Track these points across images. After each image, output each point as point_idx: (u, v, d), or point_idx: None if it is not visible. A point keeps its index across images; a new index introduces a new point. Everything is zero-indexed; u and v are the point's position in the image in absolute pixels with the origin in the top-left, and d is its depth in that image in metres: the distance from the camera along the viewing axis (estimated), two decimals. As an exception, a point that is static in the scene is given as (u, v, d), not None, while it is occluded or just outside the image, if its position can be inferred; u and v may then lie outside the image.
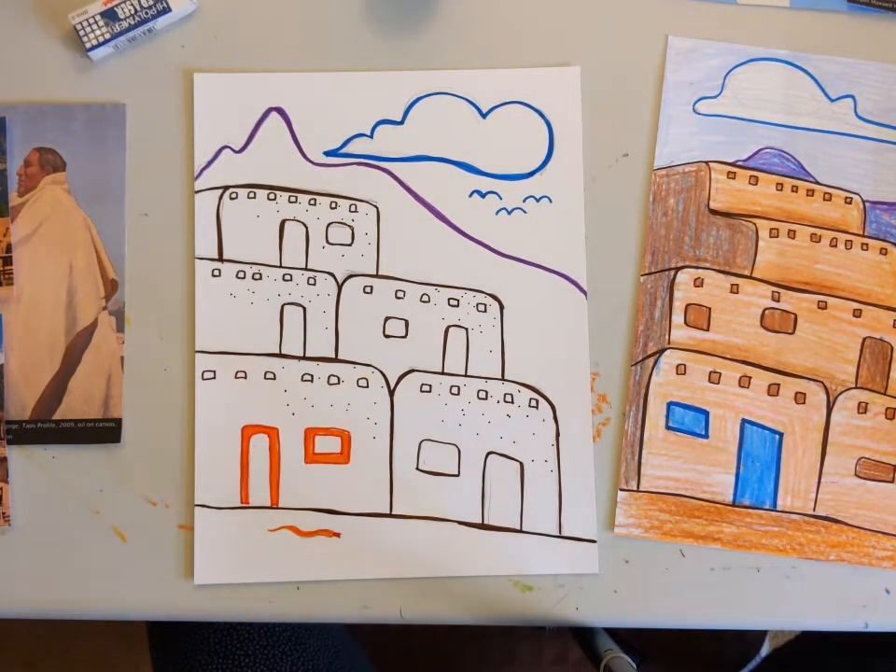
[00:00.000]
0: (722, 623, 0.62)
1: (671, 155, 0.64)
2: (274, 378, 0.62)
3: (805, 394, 0.62)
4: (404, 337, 0.62)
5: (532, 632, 1.21)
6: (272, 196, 0.63)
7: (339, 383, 0.62)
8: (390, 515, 0.61)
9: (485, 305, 0.63)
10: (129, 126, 0.64)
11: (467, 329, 0.63)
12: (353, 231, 0.63)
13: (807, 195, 0.64)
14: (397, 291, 0.63)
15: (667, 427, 0.62)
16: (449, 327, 0.63)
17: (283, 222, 0.63)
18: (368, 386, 0.62)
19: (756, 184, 0.64)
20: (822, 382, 0.62)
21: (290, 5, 0.65)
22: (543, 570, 0.61)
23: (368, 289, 0.63)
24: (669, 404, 0.62)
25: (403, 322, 0.63)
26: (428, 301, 0.63)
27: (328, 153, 0.64)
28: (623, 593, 0.61)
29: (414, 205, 0.63)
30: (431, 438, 0.62)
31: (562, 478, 0.61)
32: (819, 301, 0.63)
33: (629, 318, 0.63)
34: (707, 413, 0.62)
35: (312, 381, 0.62)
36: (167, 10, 0.63)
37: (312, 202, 0.63)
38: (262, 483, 0.61)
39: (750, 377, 0.62)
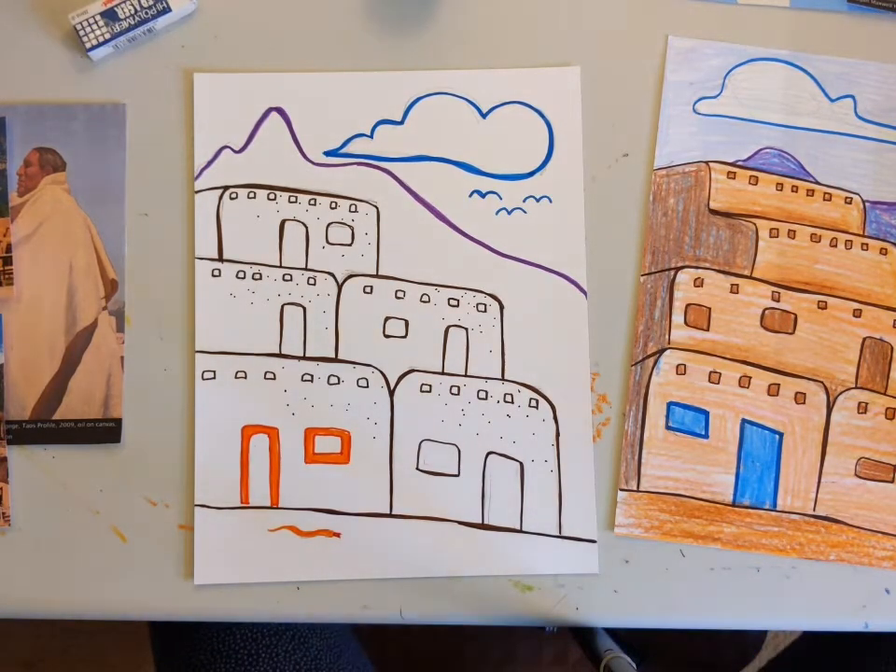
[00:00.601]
0: (722, 622, 0.62)
1: (671, 155, 0.64)
2: (274, 378, 0.62)
3: (804, 394, 0.62)
4: (404, 337, 0.62)
5: (532, 632, 1.21)
6: (272, 196, 0.63)
7: (339, 383, 0.62)
8: (390, 515, 0.61)
9: (485, 305, 0.63)
10: (129, 126, 0.64)
11: (467, 329, 0.63)
12: (353, 231, 0.63)
13: (807, 195, 0.64)
14: (397, 291, 0.63)
15: (667, 427, 0.62)
16: (449, 327, 0.63)
17: (283, 222, 0.63)
18: (368, 386, 0.62)
19: (756, 184, 0.64)
20: (822, 382, 0.62)
21: (290, 5, 0.65)
22: (543, 570, 0.61)
23: (368, 289, 0.63)
24: (669, 404, 0.62)
25: (403, 322, 0.63)
26: (428, 301, 0.63)
27: (328, 153, 0.64)
28: (623, 593, 0.61)
29: (414, 205, 0.63)
30: (431, 438, 0.62)
31: (562, 478, 0.61)
32: (819, 301, 0.63)
33: (629, 318, 0.63)
34: (706, 413, 0.62)
35: (312, 381, 0.62)
36: (167, 10, 0.63)
37: (312, 202, 0.63)
38: (262, 482, 0.61)
39: (750, 377, 0.62)
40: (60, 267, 0.62)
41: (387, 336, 0.62)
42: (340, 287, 0.63)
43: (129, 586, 0.60)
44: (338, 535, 0.61)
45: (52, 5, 0.65)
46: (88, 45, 0.63)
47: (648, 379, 0.62)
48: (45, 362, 0.61)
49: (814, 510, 0.61)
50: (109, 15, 0.63)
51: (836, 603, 0.61)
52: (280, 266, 0.63)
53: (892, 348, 0.63)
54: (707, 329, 0.63)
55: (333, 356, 0.62)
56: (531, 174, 0.64)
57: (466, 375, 0.62)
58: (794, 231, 0.64)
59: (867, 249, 0.64)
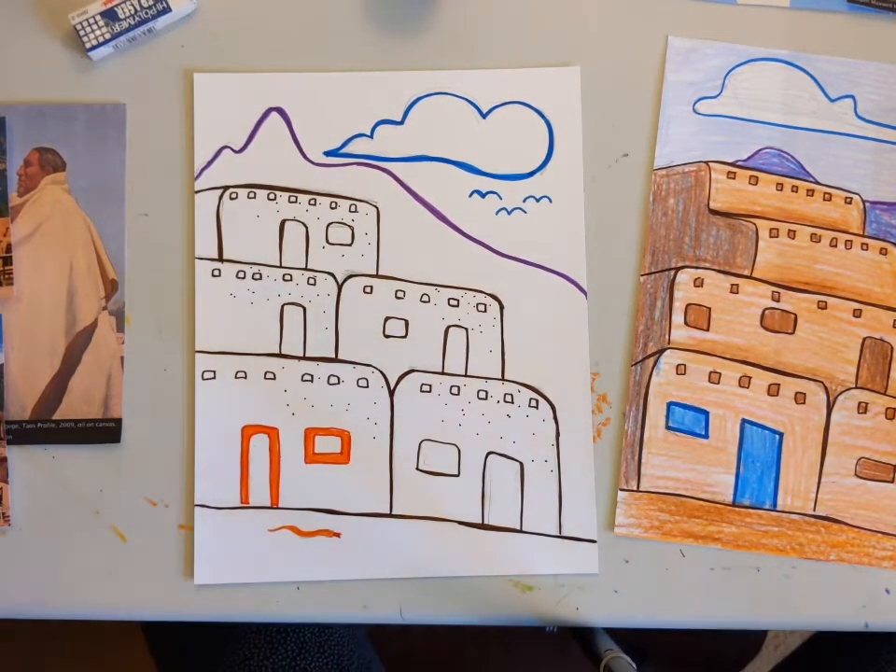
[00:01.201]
0: (722, 622, 0.62)
1: (671, 155, 0.64)
2: (274, 378, 0.62)
3: (804, 394, 0.62)
4: (404, 337, 0.62)
5: (532, 632, 1.21)
6: (272, 196, 0.63)
7: (339, 383, 0.62)
8: (390, 515, 0.61)
9: (485, 305, 0.63)
10: (129, 126, 0.64)
11: (467, 329, 0.63)
12: (353, 230, 0.63)
13: (807, 195, 0.64)
14: (397, 291, 0.63)
15: (667, 427, 0.62)
16: (449, 327, 0.63)
17: (283, 222, 0.63)
18: (368, 386, 0.62)
19: (756, 184, 0.64)
20: (822, 382, 0.62)
21: (290, 5, 0.65)
22: (543, 570, 0.61)
23: (368, 289, 0.63)
24: (669, 404, 0.62)
25: (403, 322, 0.63)
26: (428, 301, 0.63)
27: (328, 153, 0.64)
28: (624, 593, 0.61)
29: (414, 205, 0.63)
30: (431, 438, 0.62)
31: (562, 478, 0.61)
32: (819, 301, 0.63)
33: (629, 318, 0.63)
34: (706, 413, 0.62)
35: (312, 381, 0.62)
36: (167, 10, 0.63)
37: (312, 202, 0.63)
38: (262, 482, 0.61)
39: (750, 377, 0.62)
40: (60, 267, 0.62)
41: (387, 336, 0.62)
42: (340, 287, 0.63)
43: (129, 586, 0.60)
44: (338, 535, 0.61)
45: (52, 5, 0.65)
46: (88, 45, 0.63)
47: (648, 379, 0.62)
48: (45, 362, 0.61)
49: (814, 510, 0.61)
50: (109, 15, 0.63)
51: (836, 603, 0.61)
52: (280, 266, 0.63)
53: (892, 348, 0.63)
54: (707, 329, 0.63)
55: (333, 356, 0.62)
56: (531, 174, 0.64)
57: (466, 375, 0.62)
58: (794, 231, 0.64)
59: (867, 249, 0.64)
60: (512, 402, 0.62)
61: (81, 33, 0.63)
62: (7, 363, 0.61)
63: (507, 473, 0.61)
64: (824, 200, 0.64)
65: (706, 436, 0.62)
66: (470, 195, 0.63)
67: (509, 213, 0.63)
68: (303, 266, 0.63)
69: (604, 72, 0.65)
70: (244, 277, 0.63)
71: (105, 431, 0.61)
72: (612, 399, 0.62)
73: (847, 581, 0.61)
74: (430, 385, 0.62)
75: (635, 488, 0.61)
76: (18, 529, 0.61)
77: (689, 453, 0.62)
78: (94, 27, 0.63)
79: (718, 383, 0.62)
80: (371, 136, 0.64)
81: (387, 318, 0.63)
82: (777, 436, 0.62)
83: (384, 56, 0.65)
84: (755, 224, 0.64)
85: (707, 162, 0.64)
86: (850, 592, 0.61)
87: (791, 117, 0.65)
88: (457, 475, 0.61)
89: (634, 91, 0.65)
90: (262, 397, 0.62)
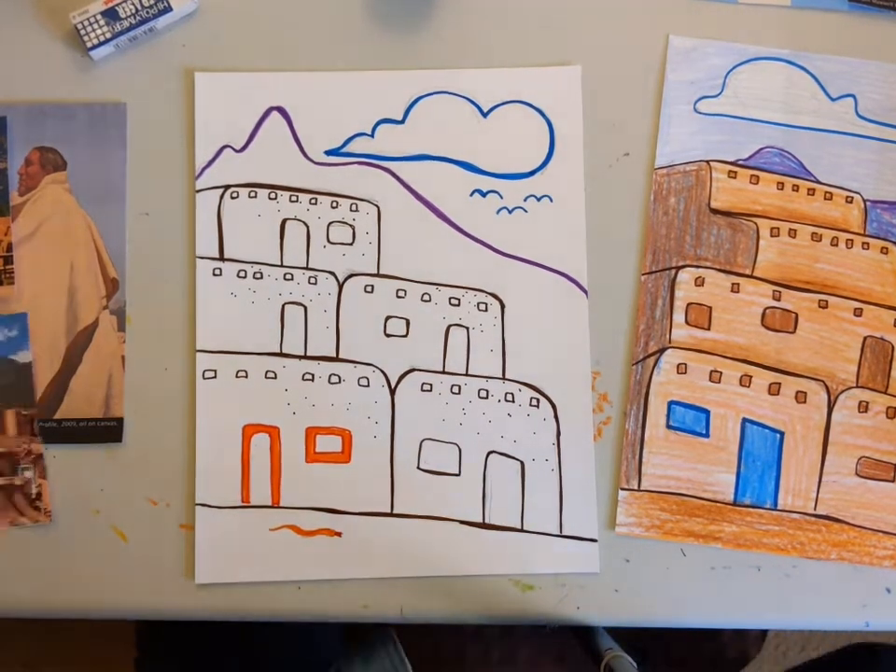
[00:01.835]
0: (723, 622, 0.62)
1: (672, 154, 0.64)
2: (275, 377, 0.62)
3: (805, 393, 0.62)
4: (405, 336, 0.62)
5: (532, 632, 1.20)
6: (272, 195, 0.63)
7: (340, 382, 0.62)
8: (391, 514, 0.61)
9: (486, 304, 0.63)
10: (130, 125, 0.64)
11: (468, 329, 0.63)
12: (354, 230, 0.63)
13: (808, 194, 0.64)
14: (398, 290, 0.63)
15: (668, 427, 0.62)
16: (450, 326, 0.63)
17: (284, 221, 0.63)
18: (369, 386, 0.62)
19: (757, 183, 0.64)
20: (823, 381, 0.62)
21: (291, 4, 0.65)
22: (544, 569, 0.61)
23: (369, 288, 0.63)
24: (670, 403, 0.62)
25: (404, 321, 0.63)
26: (429, 301, 0.63)
27: (328, 152, 0.64)
28: (624, 592, 0.61)
29: (415, 205, 0.63)
30: (432, 437, 0.62)
31: (563, 477, 0.61)
32: (819, 301, 0.63)
33: (630, 317, 0.63)
34: (707, 413, 0.62)
35: (313, 380, 0.62)
36: (168, 10, 0.63)
37: (313, 201, 0.63)
38: (263, 482, 0.61)
39: (751, 376, 0.62)
40: (60, 266, 0.62)
41: (388, 335, 0.62)
42: (341, 287, 0.63)
43: (129, 586, 0.60)
44: (339, 534, 0.61)
45: (53, 4, 0.65)
46: (89, 44, 0.63)
47: (649, 378, 0.62)
48: (46, 362, 0.61)
49: (815, 509, 0.61)
50: (110, 14, 0.63)
51: (837, 602, 0.61)
52: (281, 265, 0.63)
53: (893, 347, 0.63)
54: (708, 329, 0.63)
55: (334, 355, 0.62)
56: (532, 173, 0.64)
57: (467, 374, 0.62)
58: (795, 231, 0.64)
59: (868, 248, 0.64)
60: (513, 401, 0.62)
61: (82, 32, 0.63)
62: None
63: (508, 472, 0.61)
64: (825, 199, 0.64)
65: (706, 435, 0.62)
66: (471, 194, 0.63)
67: (510, 212, 0.63)
68: (304, 265, 0.63)
69: (605, 71, 0.65)
70: (245, 276, 0.63)
71: (106, 431, 0.61)
72: (613, 399, 0.62)
73: (847, 580, 0.61)
74: (431, 385, 0.62)
75: (636, 487, 0.61)
76: (19, 528, 0.60)
77: (690, 452, 0.62)
78: (95, 26, 0.63)
79: (719, 382, 0.62)
80: (372, 135, 0.64)
81: (388, 317, 0.63)
82: (778, 435, 0.62)
83: (385, 55, 0.65)
84: (756, 223, 0.64)
85: (707, 162, 0.64)
86: (851, 591, 0.61)
87: (792, 116, 0.65)
88: (458, 474, 0.61)
89: (634, 91, 0.65)
90: (263, 396, 0.62)
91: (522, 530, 0.61)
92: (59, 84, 0.64)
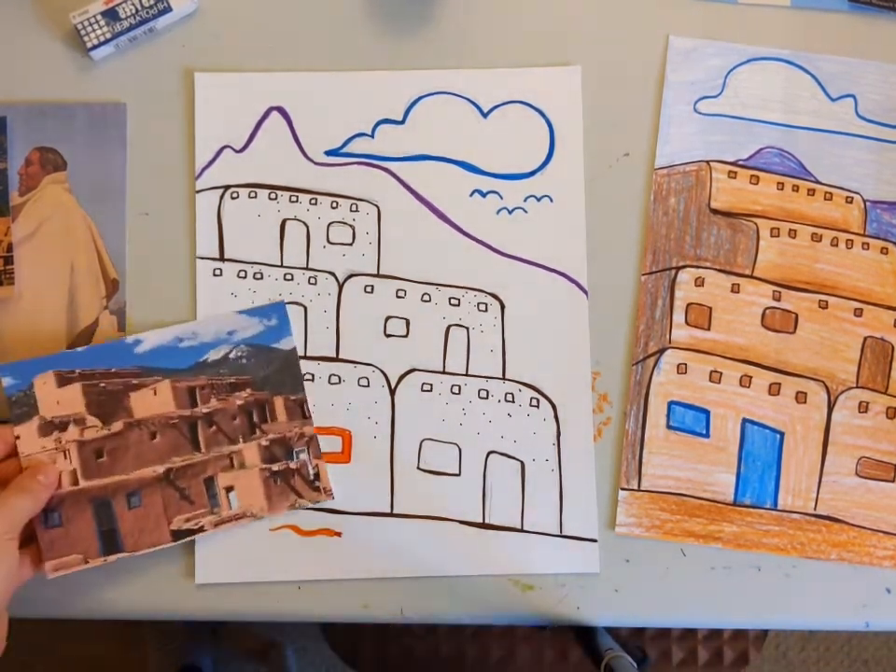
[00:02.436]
0: (723, 622, 0.62)
1: (672, 154, 0.64)
2: (275, 377, 0.62)
3: (805, 393, 0.62)
4: (405, 336, 0.62)
5: (532, 632, 1.20)
6: (273, 196, 0.63)
7: (340, 382, 0.62)
8: (391, 515, 0.61)
9: (486, 304, 0.63)
10: (129, 125, 0.64)
11: (468, 329, 0.63)
12: (354, 230, 0.63)
13: (808, 195, 0.64)
14: (398, 291, 0.63)
15: (668, 427, 0.62)
16: (450, 326, 0.63)
17: (284, 222, 0.63)
18: (369, 386, 0.62)
19: (757, 183, 0.64)
20: (823, 381, 0.62)
21: (291, 4, 0.65)
22: (544, 570, 0.61)
23: (369, 289, 0.63)
24: (670, 403, 0.62)
25: (404, 321, 0.63)
26: (429, 301, 0.63)
27: (328, 153, 0.64)
28: (624, 592, 0.61)
29: (415, 205, 0.63)
30: (432, 437, 0.62)
31: (563, 477, 0.61)
32: (819, 301, 0.63)
33: (630, 318, 0.63)
34: (707, 413, 0.62)
35: (313, 380, 0.62)
36: (168, 10, 0.63)
37: (313, 201, 0.63)
38: (263, 482, 0.61)
39: (751, 376, 0.62)
40: (61, 266, 0.62)
41: (388, 335, 0.62)
42: (341, 287, 0.63)
43: (130, 586, 0.60)
44: (339, 534, 0.61)
45: (53, 4, 0.65)
46: (89, 44, 0.63)
47: (649, 378, 0.62)
48: (46, 361, 0.61)
49: (815, 509, 0.61)
50: (110, 14, 0.63)
51: (837, 602, 0.61)
52: (281, 265, 0.63)
53: (893, 347, 0.63)
54: (708, 329, 0.63)
55: (334, 355, 0.62)
56: (532, 173, 0.64)
57: (467, 374, 0.62)
58: (795, 231, 0.64)
59: (868, 249, 0.64)
60: (513, 402, 0.62)
61: (82, 32, 0.63)
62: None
63: (508, 472, 0.61)
64: (825, 199, 0.64)
65: (706, 435, 0.62)
66: (471, 194, 0.63)
67: (510, 212, 0.63)
68: (304, 265, 0.63)
69: (605, 71, 0.65)
70: (245, 277, 0.63)
71: (105, 431, 0.61)
72: (613, 399, 0.62)
73: (847, 580, 0.61)
74: (431, 385, 0.62)
75: (636, 487, 0.61)
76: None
77: (690, 452, 0.62)
78: (95, 27, 0.63)
79: (719, 382, 0.62)
80: (372, 136, 0.64)
81: (388, 318, 0.63)
82: (778, 435, 0.62)
83: (384, 55, 0.65)
84: (756, 223, 0.64)
85: (707, 162, 0.64)
86: (851, 591, 0.61)
87: (792, 116, 0.65)
88: (458, 474, 0.61)
89: (635, 91, 0.65)
90: (263, 396, 0.62)
91: (522, 530, 0.61)
92: (59, 84, 0.64)
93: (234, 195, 0.63)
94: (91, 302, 0.62)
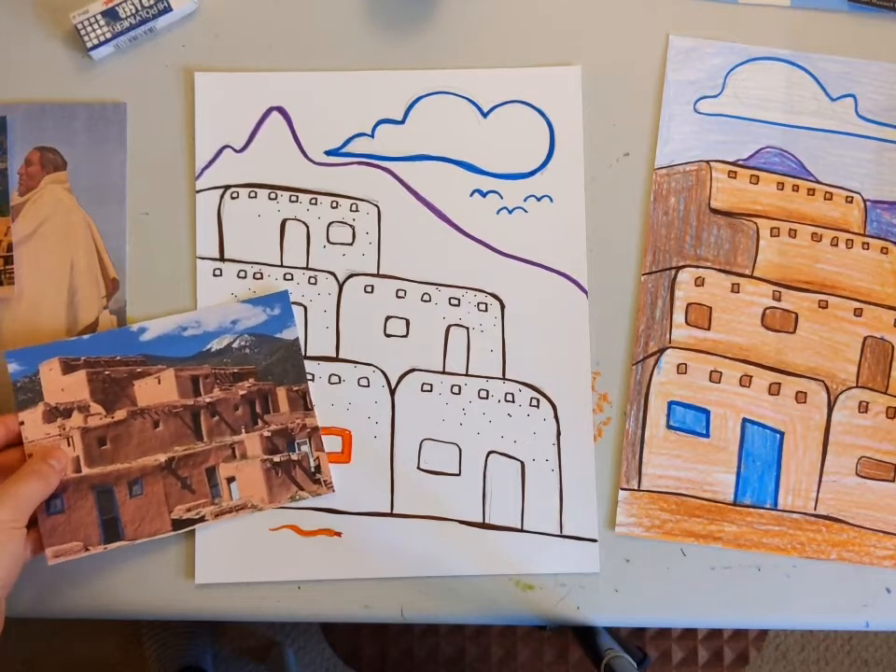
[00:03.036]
0: (723, 622, 0.62)
1: (672, 154, 0.64)
2: (275, 377, 0.62)
3: (805, 393, 0.62)
4: (405, 336, 0.62)
5: (532, 632, 1.21)
6: (273, 195, 0.63)
7: (340, 382, 0.62)
8: (391, 515, 0.61)
9: (486, 304, 0.63)
10: (130, 125, 0.64)
11: (468, 329, 0.63)
12: (354, 230, 0.63)
13: (808, 194, 0.64)
14: (398, 290, 0.63)
15: (668, 427, 0.62)
16: (450, 326, 0.63)
17: (284, 221, 0.63)
18: (369, 386, 0.62)
19: (757, 183, 0.64)
20: (823, 381, 0.62)
21: (291, 4, 0.65)
22: (544, 569, 0.61)
23: (369, 289, 0.63)
24: (670, 403, 0.62)
25: (404, 321, 0.63)
26: (429, 301, 0.63)
27: (328, 152, 0.64)
28: (624, 592, 0.61)
29: (415, 205, 0.63)
30: (432, 437, 0.62)
31: (563, 477, 0.61)
32: (819, 301, 0.63)
33: (630, 318, 0.63)
34: (707, 413, 0.62)
35: (313, 380, 0.62)
36: (168, 10, 0.63)
37: (313, 201, 0.63)
38: (263, 482, 0.61)
39: (751, 376, 0.62)
40: (61, 266, 0.62)
41: (388, 335, 0.62)
42: (341, 287, 0.63)
43: (129, 586, 0.60)
44: (339, 534, 0.61)
45: (53, 4, 0.65)
46: (89, 44, 0.63)
47: (649, 378, 0.62)
48: (46, 361, 0.61)
49: (815, 509, 0.61)
50: (110, 14, 0.63)
51: (837, 602, 0.61)
52: (281, 265, 0.63)
53: (893, 347, 0.63)
54: (708, 329, 0.63)
55: (334, 355, 0.62)
56: (532, 173, 0.64)
57: (467, 374, 0.62)
58: (795, 231, 0.64)
59: (868, 248, 0.64)
60: (513, 402, 0.62)
61: (82, 32, 0.63)
62: (8, 362, 0.61)
63: (508, 472, 0.61)
64: (825, 199, 0.64)
65: (706, 435, 0.62)
66: (471, 194, 0.63)
67: (510, 212, 0.63)
68: (304, 265, 0.63)
69: (605, 71, 0.65)
70: (245, 277, 0.63)
71: (106, 430, 0.61)
72: (613, 399, 0.62)
73: (847, 580, 0.61)
74: (431, 385, 0.62)
75: (636, 487, 0.61)
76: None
77: (690, 452, 0.62)
78: (95, 26, 0.63)
79: (719, 382, 0.62)
80: (372, 136, 0.64)
81: (388, 317, 0.63)
82: (778, 435, 0.62)
83: (384, 55, 0.65)
84: (756, 223, 0.64)
85: (707, 162, 0.64)
86: (851, 591, 0.61)
87: (792, 116, 0.65)
88: (458, 474, 0.61)
89: (635, 91, 0.65)
90: (263, 396, 0.62)
91: (522, 530, 0.61)
92: (59, 84, 0.64)
93: (234, 195, 0.63)
94: (91, 302, 0.62)
